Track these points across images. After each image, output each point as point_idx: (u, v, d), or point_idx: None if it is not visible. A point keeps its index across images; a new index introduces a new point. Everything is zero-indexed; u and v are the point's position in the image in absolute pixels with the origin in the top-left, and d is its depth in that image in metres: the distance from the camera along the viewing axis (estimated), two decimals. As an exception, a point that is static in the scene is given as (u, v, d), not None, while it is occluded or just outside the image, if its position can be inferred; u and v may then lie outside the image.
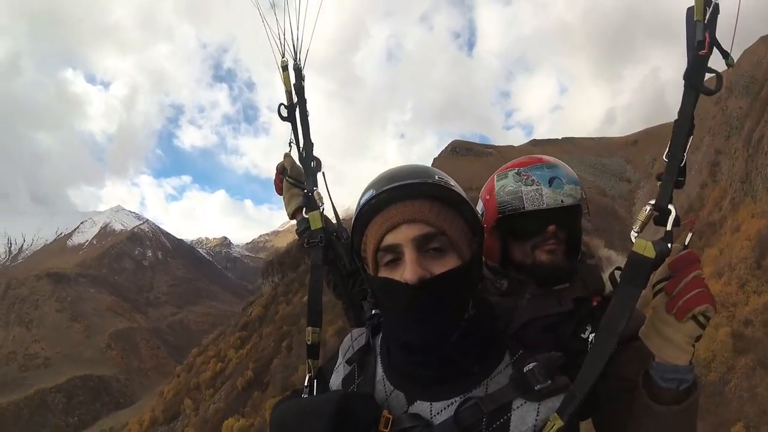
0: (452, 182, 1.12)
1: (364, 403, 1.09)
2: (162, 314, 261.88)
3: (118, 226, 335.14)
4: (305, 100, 1.80)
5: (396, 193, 1.06)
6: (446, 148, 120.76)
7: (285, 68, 1.80)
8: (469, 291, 1.09)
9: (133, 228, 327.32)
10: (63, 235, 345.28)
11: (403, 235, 1.04)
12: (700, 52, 1.06)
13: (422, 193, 1.06)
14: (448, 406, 1.06)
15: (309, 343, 1.52)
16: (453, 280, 1.04)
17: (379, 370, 1.19)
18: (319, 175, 1.78)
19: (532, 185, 1.50)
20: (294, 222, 1.88)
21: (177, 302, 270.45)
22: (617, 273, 1.12)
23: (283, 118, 1.79)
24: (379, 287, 1.10)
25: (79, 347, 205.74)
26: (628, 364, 1.28)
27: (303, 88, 1.79)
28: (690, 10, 1.08)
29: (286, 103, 1.81)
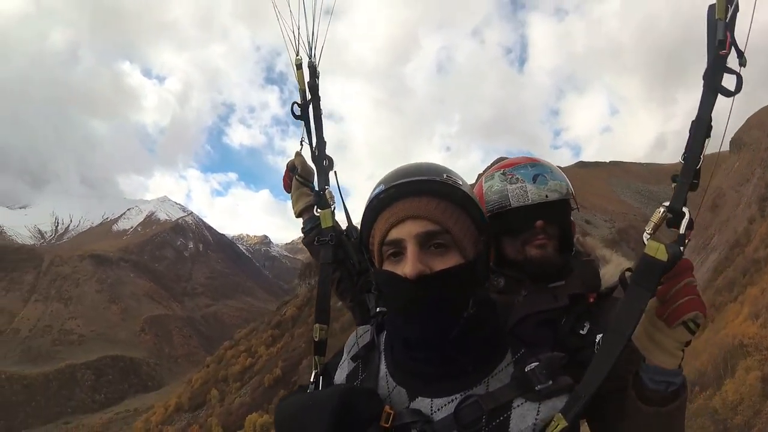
0: (460, 181, 1.12)
1: (366, 398, 1.10)
2: (197, 305, 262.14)
3: (162, 216, 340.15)
4: (319, 98, 1.79)
5: (403, 189, 1.08)
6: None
7: (299, 66, 1.79)
8: (471, 289, 1.09)
9: (178, 219, 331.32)
10: (109, 219, 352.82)
11: (406, 231, 1.05)
12: (720, 52, 1.05)
13: (429, 191, 1.08)
14: (449, 403, 1.07)
15: (316, 339, 1.54)
16: (453, 277, 1.05)
17: (383, 366, 1.21)
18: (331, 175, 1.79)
19: (516, 183, 1.55)
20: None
21: (213, 294, 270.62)
22: (628, 274, 1.12)
23: (296, 116, 1.78)
24: (382, 280, 1.12)
25: (113, 328, 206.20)
26: (622, 364, 1.23)
27: (317, 86, 1.78)
28: (711, 8, 1.07)
29: (299, 102, 1.80)
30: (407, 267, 1.03)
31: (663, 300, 1.06)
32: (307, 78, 1.79)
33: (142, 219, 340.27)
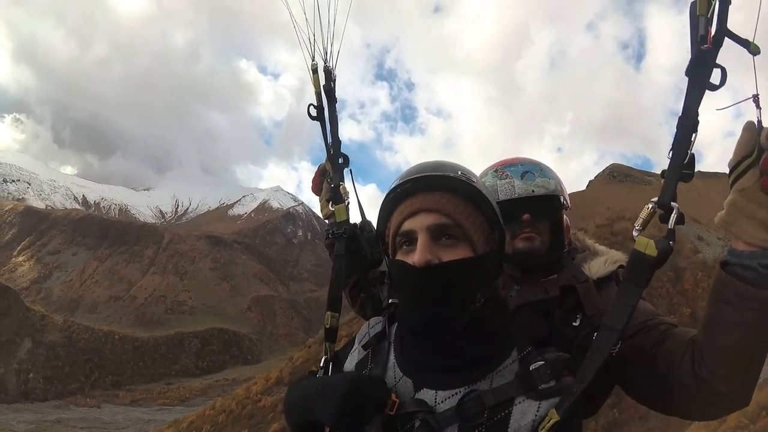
0: (474, 179, 1.15)
1: (375, 385, 1.11)
2: (301, 289, 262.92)
3: (275, 204, 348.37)
4: (335, 99, 1.85)
5: (419, 183, 1.12)
6: (603, 171, 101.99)
7: (315, 71, 1.85)
8: (479, 283, 1.11)
9: (289, 208, 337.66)
10: (225, 204, 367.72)
11: (419, 222, 1.09)
12: (702, 47, 1.04)
13: (443, 186, 1.11)
14: (452, 396, 1.08)
15: (327, 326, 1.58)
16: (460, 269, 1.07)
17: (392, 356, 1.22)
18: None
19: (505, 179, 1.64)
20: None
21: (317, 281, 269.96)
22: (620, 271, 1.11)
23: (312, 118, 1.84)
24: (394, 269, 1.18)
25: (222, 303, 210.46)
26: (632, 325, 1.32)
27: (332, 89, 1.85)
28: (693, 5, 1.06)
29: (315, 104, 1.86)
30: (416, 255, 1.06)
31: (767, 171, 0.98)
32: (322, 81, 1.85)
33: (256, 206, 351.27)
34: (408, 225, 1.10)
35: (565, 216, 1.71)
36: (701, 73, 1.05)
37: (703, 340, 1.16)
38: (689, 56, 1.04)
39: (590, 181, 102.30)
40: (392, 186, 1.16)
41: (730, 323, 1.08)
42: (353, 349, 1.33)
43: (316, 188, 1.93)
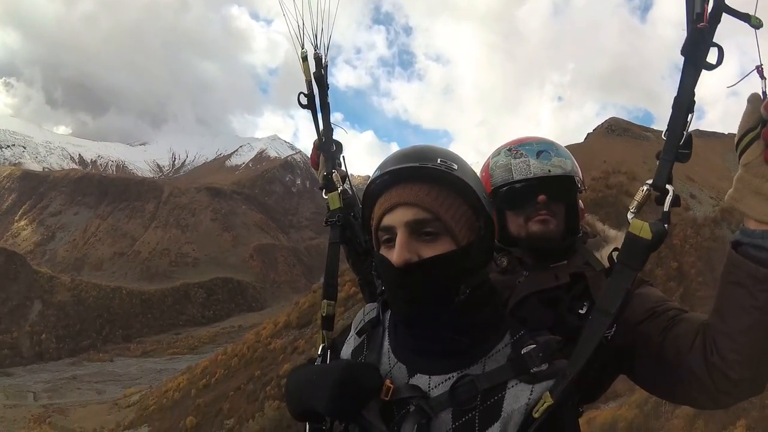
0: (455, 165, 1.09)
1: (368, 371, 1.12)
2: (302, 237, 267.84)
3: (273, 153, 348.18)
4: (327, 86, 1.84)
5: (397, 175, 1.08)
6: (602, 124, 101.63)
7: (305, 59, 1.83)
8: (463, 274, 1.09)
9: (287, 157, 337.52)
10: (222, 155, 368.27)
11: (398, 218, 1.06)
12: (699, 25, 1.01)
13: (422, 176, 1.07)
14: (446, 380, 1.08)
15: (323, 315, 1.57)
16: (440, 264, 1.05)
17: (386, 343, 1.22)
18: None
19: (520, 158, 1.56)
20: None
21: (316, 229, 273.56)
22: (615, 254, 1.10)
23: (303, 106, 1.84)
24: (378, 263, 1.15)
25: (225, 253, 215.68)
26: (641, 312, 1.33)
27: (323, 76, 1.83)
28: None
29: (305, 92, 1.85)
30: (394, 255, 1.04)
31: None
32: (313, 69, 1.83)
33: (254, 156, 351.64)
34: (387, 220, 1.09)
35: (579, 200, 1.63)
36: (697, 52, 1.02)
37: (715, 325, 1.14)
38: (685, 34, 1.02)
39: (588, 134, 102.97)
40: (372, 177, 1.14)
41: (743, 307, 1.05)
42: (349, 336, 1.34)
43: (314, 163, 1.93)
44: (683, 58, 1.04)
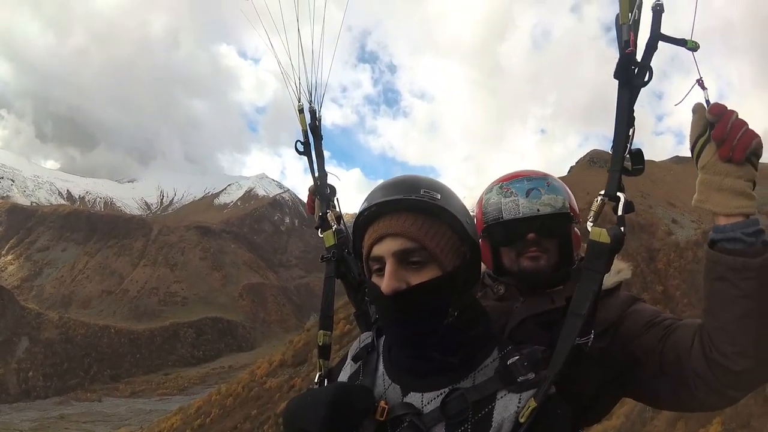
0: (439, 195, 1.16)
1: (360, 392, 1.17)
2: (291, 276, 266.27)
3: (261, 192, 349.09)
4: (321, 137, 1.99)
5: (383, 207, 1.15)
6: (584, 156, 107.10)
7: (301, 111, 2.00)
8: (450, 298, 1.15)
9: (275, 195, 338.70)
10: (210, 194, 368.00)
11: (386, 248, 1.13)
12: (626, 50, 1.15)
13: (406, 207, 1.14)
14: (437, 396, 1.13)
15: (320, 344, 1.63)
16: (428, 290, 1.12)
17: (381, 366, 1.28)
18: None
19: (510, 197, 1.59)
20: None
21: (306, 267, 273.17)
22: (582, 264, 1.19)
23: (300, 153, 1.98)
24: (370, 291, 1.24)
25: (214, 293, 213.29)
26: (638, 326, 1.39)
27: (318, 127, 1.98)
28: (617, 16, 1.18)
29: (302, 140, 2.00)
30: (384, 284, 1.11)
31: (722, 140, 1.07)
32: (308, 120, 1.99)
33: (242, 194, 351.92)
34: (376, 251, 1.15)
35: (575, 228, 1.65)
36: (626, 73, 1.16)
37: (707, 322, 1.18)
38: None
39: (571, 167, 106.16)
40: (361, 208, 1.21)
41: (729, 298, 1.10)
42: (345, 363, 1.41)
43: (311, 209, 2.05)
44: (617, 81, 1.18)
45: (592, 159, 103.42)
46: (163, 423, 78.36)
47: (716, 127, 1.07)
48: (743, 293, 1.08)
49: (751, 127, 1.07)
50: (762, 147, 1.07)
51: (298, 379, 66.61)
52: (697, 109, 1.12)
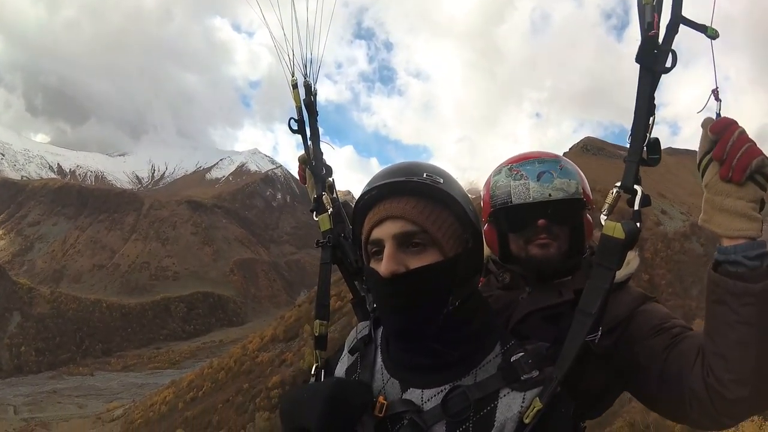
0: (441, 179, 1.12)
1: (358, 389, 1.15)
2: (282, 252, 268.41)
3: (253, 167, 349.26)
4: (317, 113, 1.90)
5: (384, 190, 1.12)
6: (578, 143, 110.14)
7: (295, 86, 1.90)
8: (451, 286, 1.11)
9: (267, 171, 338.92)
10: (202, 168, 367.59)
11: (385, 231, 1.09)
12: (650, 33, 1.09)
13: (408, 191, 1.10)
14: (438, 393, 1.10)
15: (316, 334, 1.59)
16: (427, 275, 1.08)
17: (379, 359, 1.25)
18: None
19: (520, 180, 1.50)
20: None
21: (297, 243, 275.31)
22: (593, 258, 1.13)
23: (293, 131, 1.90)
24: (368, 277, 1.20)
25: (205, 268, 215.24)
26: (646, 329, 1.34)
27: (313, 103, 1.89)
28: None
29: (296, 117, 1.91)
30: (382, 266, 1.07)
31: (722, 159, 1.04)
32: (303, 96, 1.89)
33: (234, 169, 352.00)
34: (376, 234, 1.12)
35: (588, 216, 1.54)
36: (650, 57, 1.09)
37: (706, 346, 1.15)
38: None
39: (564, 153, 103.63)
40: (361, 193, 1.18)
41: (727, 323, 1.07)
42: (342, 355, 1.36)
43: (302, 178, 1.97)
44: (638, 65, 1.12)
45: (585, 146, 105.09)
46: (155, 396, 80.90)
47: (716, 146, 1.04)
48: (742, 319, 1.05)
49: (754, 145, 1.04)
50: (767, 165, 1.03)
51: (289, 354, 68.69)
52: (705, 124, 1.08)
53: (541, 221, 1.46)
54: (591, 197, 1.57)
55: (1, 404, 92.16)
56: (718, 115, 1.07)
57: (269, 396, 57.94)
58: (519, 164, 1.54)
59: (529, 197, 1.47)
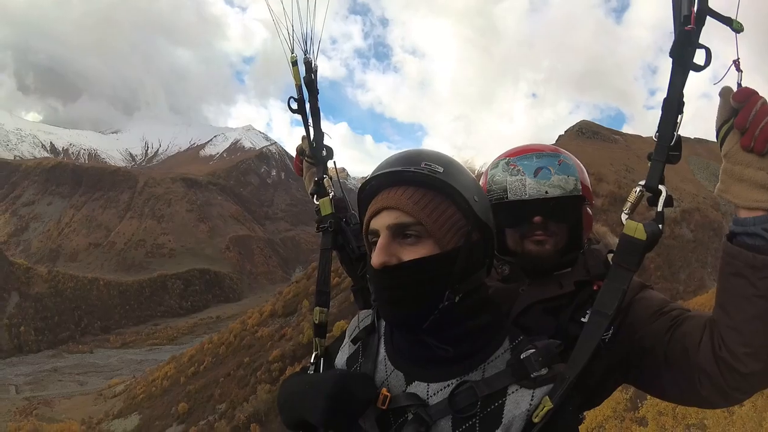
0: (441, 168, 1.08)
1: (362, 382, 1.12)
2: (277, 228, 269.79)
3: (247, 144, 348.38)
4: (317, 91, 1.82)
5: (383, 179, 1.10)
6: (573, 127, 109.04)
7: (294, 63, 1.83)
8: (448, 281, 1.07)
9: (262, 148, 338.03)
10: (195, 145, 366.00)
11: (381, 222, 1.07)
12: (686, 27, 1.03)
13: (406, 180, 1.08)
14: (444, 387, 1.08)
15: (316, 322, 1.55)
16: (419, 268, 1.05)
17: (382, 350, 1.22)
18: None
19: (516, 175, 1.47)
20: None
21: (292, 220, 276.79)
22: (610, 256, 1.10)
23: (293, 111, 1.83)
24: (368, 268, 1.16)
25: (201, 244, 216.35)
26: (646, 315, 1.32)
27: (313, 81, 1.81)
28: None
29: (296, 96, 1.84)
30: (373, 257, 1.06)
31: (744, 129, 1.00)
32: (303, 73, 1.81)
33: (228, 146, 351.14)
34: (373, 224, 1.10)
35: (588, 210, 1.52)
36: (685, 54, 1.04)
37: (720, 319, 1.12)
38: (672, 36, 1.05)
39: (560, 136, 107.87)
40: (363, 183, 1.16)
41: (744, 296, 1.04)
42: (343, 344, 1.33)
43: (298, 170, 1.94)
44: (671, 59, 1.06)
45: (581, 129, 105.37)
46: (157, 372, 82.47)
47: (739, 114, 1.00)
48: (760, 293, 1.02)
49: None
50: None
51: (288, 329, 70.05)
52: (725, 93, 1.03)
53: (536, 218, 1.44)
54: (591, 192, 1.54)
55: (3, 384, 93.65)
56: (739, 84, 1.02)
57: (270, 369, 59.58)
58: (517, 158, 1.50)
59: (525, 194, 1.44)
